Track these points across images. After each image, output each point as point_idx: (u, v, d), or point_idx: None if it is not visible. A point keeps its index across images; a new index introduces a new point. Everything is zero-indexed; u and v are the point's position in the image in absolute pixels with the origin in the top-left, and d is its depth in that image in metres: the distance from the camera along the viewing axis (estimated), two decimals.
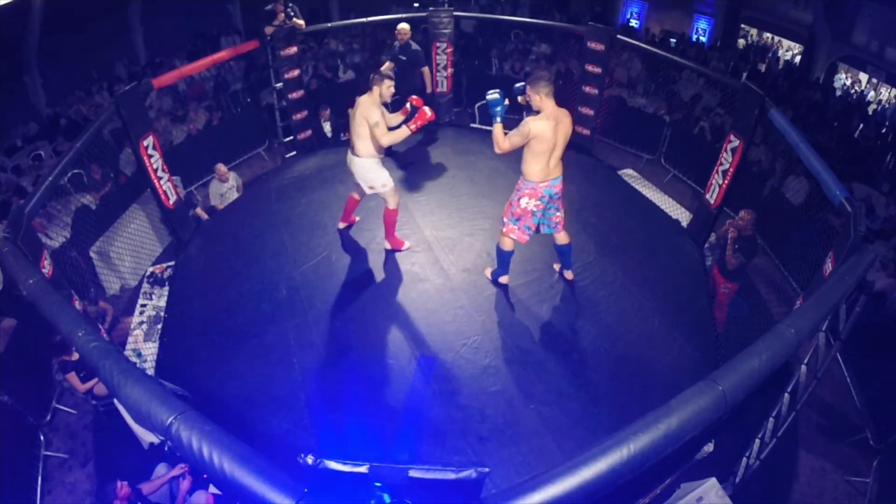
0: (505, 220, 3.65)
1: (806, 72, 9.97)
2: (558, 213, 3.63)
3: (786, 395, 2.78)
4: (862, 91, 9.67)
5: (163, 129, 6.86)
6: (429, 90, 5.73)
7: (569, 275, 4.03)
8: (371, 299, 3.91)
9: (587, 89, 6.03)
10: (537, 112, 3.37)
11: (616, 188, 5.62)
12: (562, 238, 3.76)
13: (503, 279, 3.96)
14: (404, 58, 5.55)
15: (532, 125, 3.31)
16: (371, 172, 3.87)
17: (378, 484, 1.29)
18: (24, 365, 3.90)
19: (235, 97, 8.49)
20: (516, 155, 5.87)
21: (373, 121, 3.62)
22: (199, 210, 5.65)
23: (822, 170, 3.21)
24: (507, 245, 3.72)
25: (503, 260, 3.85)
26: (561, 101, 7.26)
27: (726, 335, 4.00)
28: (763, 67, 10.66)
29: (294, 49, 5.83)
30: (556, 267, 4.12)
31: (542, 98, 3.34)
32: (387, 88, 3.74)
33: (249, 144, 7.13)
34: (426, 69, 5.69)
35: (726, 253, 4.05)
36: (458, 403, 3.19)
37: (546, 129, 3.31)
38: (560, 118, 3.36)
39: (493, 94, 3.44)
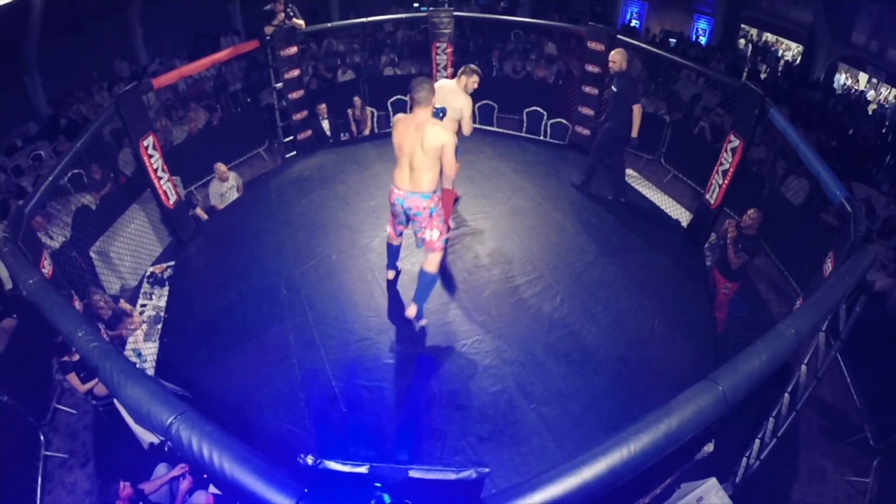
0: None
1: (806, 72, 9.97)
2: (426, 231, 3.28)
3: (786, 395, 2.78)
4: (861, 91, 9.68)
5: (163, 129, 6.86)
6: (634, 134, 4.76)
7: (411, 310, 3.47)
8: (371, 299, 3.91)
9: (587, 89, 6.03)
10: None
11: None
12: (425, 263, 3.38)
13: (388, 274, 3.94)
14: (615, 89, 4.80)
15: (394, 122, 3.27)
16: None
17: (378, 484, 1.29)
18: (24, 365, 3.89)
19: (235, 97, 8.49)
20: (516, 155, 5.86)
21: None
22: (198, 210, 5.65)
23: (822, 170, 3.21)
24: (391, 240, 3.73)
25: (389, 254, 3.87)
26: (561, 101, 7.27)
27: (726, 335, 4.00)
28: (763, 67, 10.66)
29: (294, 49, 5.83)
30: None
31: (413, 102, 3.10)
32: (473, 82, 4.08)
33: (249, 144, 7.13)
34: (637, 108, 4.67)
35: (727, 252, 4.04)
36: (458, 403, 3.19)
37: (398, 130, 3.16)
38: (422, 127, 3.06)
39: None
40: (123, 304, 4.33)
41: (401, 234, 3.65)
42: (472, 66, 4.16)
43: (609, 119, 4.98)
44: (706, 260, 4.80)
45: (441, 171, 3.22)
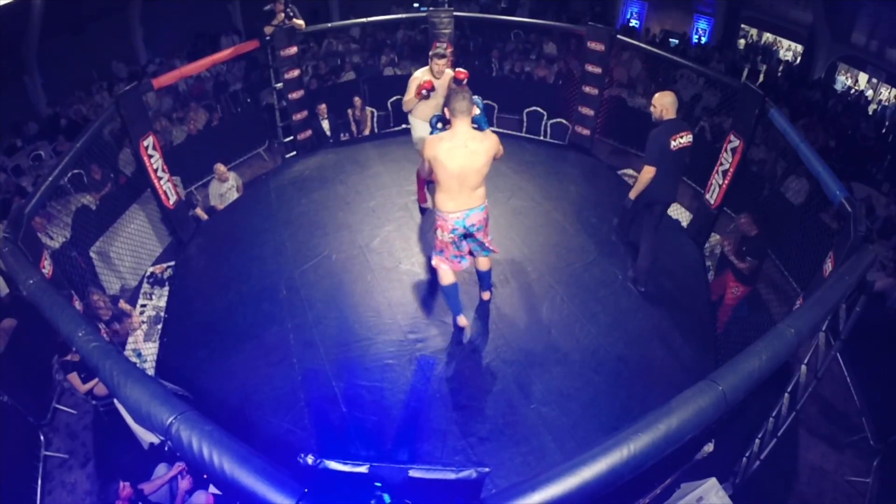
0: (433, 253, 3.35)
1: (806, 72, 9.97)
2: (486, 238, 3.27)
3: (786, 395, 2.78)
4: (861, 91, 9.67)
5: (162, 129, 6.86)
6: (631, 196, 3.99)
7: (486, 295, 3.76)
8: (371, 299, 3.91)
9: (587, 89, 6.03)
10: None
11: (616, 188, 5.61)
12: (482, 264, 3.48)
13: (461, 321, 3.54)
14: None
15: (429, 147, 2.96)
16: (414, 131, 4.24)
17: (378, 484, 1.29)
18: (24, 365, 3.89)
19: (235, 97, 8.49)
20: (516, 155, 5.88)
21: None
22: (198, 210, 5.65)
23: (822, 170, 3.21)
24: (444, 279, 3.35)
25: (447, 296, 3.49)
26: (561, 101, 7.26)
27: (726, 335, 4.00)
28: (762, 67, 10.66)
29: (294, 49, 5.83)
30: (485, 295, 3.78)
31: (453, 117, 2.92)
32: (439, 65, 4.06)
33: (249, 144, 7.13)
34: (646, 170, 3.85)
35: (735, 264, 4.03)
36: (458, 403, 3.19)
37: (443, 153, 2.90)
38: (470, 144, 2.90)
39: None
40: (123, 305, 4.33)
41: (463, 262, 3.33)
42: (435, 50, 4.18)
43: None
44: (706, 260, 4.80)
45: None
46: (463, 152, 2.89)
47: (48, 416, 3.93)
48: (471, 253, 3.36)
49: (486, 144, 2.94)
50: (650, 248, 4.01)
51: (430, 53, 4.17)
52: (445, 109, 3.02)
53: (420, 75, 4.14)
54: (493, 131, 6.66)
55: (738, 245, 4.04)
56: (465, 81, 4.06)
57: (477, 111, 3.08)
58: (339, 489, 1.32)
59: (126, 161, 6.07)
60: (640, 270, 4.05)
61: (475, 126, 3.04)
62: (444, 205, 3.06)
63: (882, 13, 8.78)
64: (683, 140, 3.72)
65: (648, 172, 3.71)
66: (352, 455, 1.33)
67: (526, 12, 12.73)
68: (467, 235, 3.21)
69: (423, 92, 3.98)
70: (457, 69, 4.21)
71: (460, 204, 3.04)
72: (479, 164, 2.93)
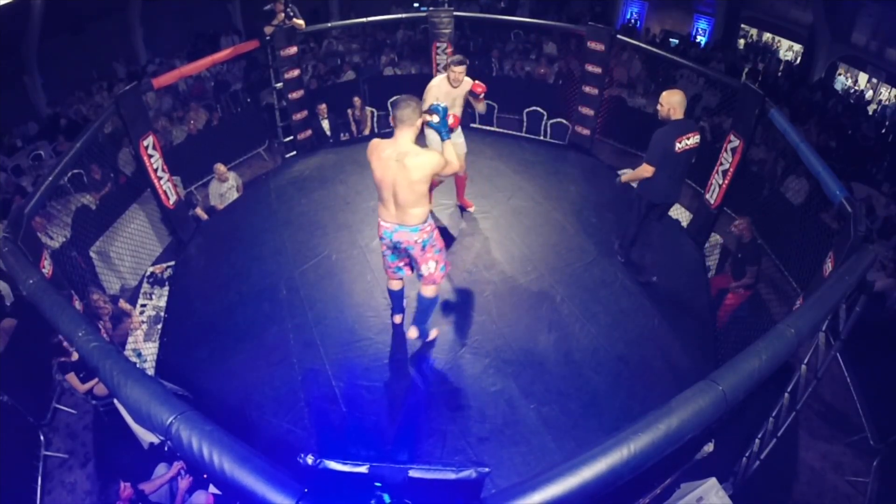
0: None
1: (806, 72, 9.97)
2: (422, 266, 3.03)
3: (786, 395, 2.77)
4: (861, 91, 9.68)
5: (162, 129, 6.86)
6: (622, 179, 4.02)
7: (411, 333, 3.37)
8: (371, 299, 3.91)
9: (587, 89, 6.03)
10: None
11: (616, 188, 5.61)
12: (423, 289, 3.17)
13: (395, 318, 3.57)
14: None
15: (369, 149, 2.80)
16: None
17: (378, 484, 1.29)
18: (24, 365, 3.89)
19: (235, 97, 8.49)
20: (516, 155, 5.87)
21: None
22: (198, 210, 5.65)
23: (822, 170, 3.21)
24: (388, 283, 3.33)
25: (389, 297, 3.49)
26: (561, 101, 7.26)
27: (726, 335, 4.00)
28: (761, 67, 10.66)
29: (294, 49, 5.83)
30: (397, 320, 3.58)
31: (394, 124, 2.71)
32: (456, 73, 3.94)
33: (249, 144, 7.13)
34: (644, 168, 3.79)
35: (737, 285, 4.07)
36: (458, 403, 3.19)
37: (375, 160, 2.75)
38: (405, 157, 2.66)
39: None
40: (123, 304, 4.33)
41: (399, 273, 3.23)
42: (452, 57, 4.08)
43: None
44: (706, 260, 4.79)
45: (430, 198, 2.97)
46: (394, 165, 2.68)
47: (48, 416, 3.93)
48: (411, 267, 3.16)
49: (421, 160, 2.66)
50: (653, 248, 4.05)
51: (448, 61, 3.99)
52: (424, 115, 2.82)
53: (437, 83, 4.01)
54: (494, 131, 6.77)
55: (734, 253, 4.06)
56: (482, 96, 3.94)
57: (435, 119, 2.85)
58: (339, 489, 1.32)
59: (125, 161, 6.07)
60: (643, 267, 4.11)
61: (444, 133, 2.88)
62: (379, 210, 2.93)
63: (882, 13, 8.78)
64: (690, 141, 3.61)
65: (646, 171, 3.65)
66: (352, 455, 1.32)
67: (526, 12, 12.74)
68: (398, 250, 3.04)
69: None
70: (475, 82, 3.97)
71: (390, 216, 2.88)
72: (409, 179, 2.68)
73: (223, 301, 4.14)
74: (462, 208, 4.84)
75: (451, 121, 3.72)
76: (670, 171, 3.66)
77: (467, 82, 3.99)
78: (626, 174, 3.89)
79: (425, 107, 3.80)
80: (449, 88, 3.99)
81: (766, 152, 6.45)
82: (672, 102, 3.59)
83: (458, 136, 4.33)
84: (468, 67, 4.12)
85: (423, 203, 2.83)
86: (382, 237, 2.99)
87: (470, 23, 9.76)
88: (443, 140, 2.87)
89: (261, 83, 8.20)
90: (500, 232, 4.61)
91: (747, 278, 4.06)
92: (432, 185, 4.64)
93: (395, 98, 2.73)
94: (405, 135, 2.70)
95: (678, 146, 3.57)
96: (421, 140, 2.89)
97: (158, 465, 3.11)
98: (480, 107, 4.11)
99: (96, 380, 3.57)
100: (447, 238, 4.46)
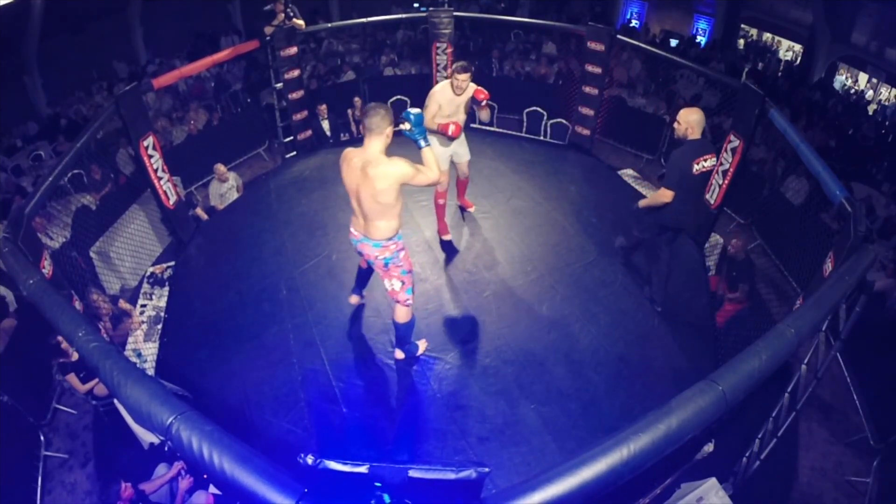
0: None
1: (806, 72, 9.97)
2: (385, 282, 3.03)
3: (786, 395, 2.77)
4: (861, 91, 9.68)
5: (162, 129, 6.86)
6: (640, 204, 3.88)
7: (398, 354, 3.42)
8: (371, 299, 3.91)
9: (587, 89, 6.03)
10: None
11: (616, 188, 5.62)
12: (395, 313, 3.16)
13: (351, 298, 3.64)
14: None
15: (342, 156, 2.81)
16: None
17: (378, 484, 1.29)
18: (24, 365, 3.89)
19: (235, 97, 8.49)
20: (516, 155, 5.86)
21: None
22: (198, 210, 5.65)
23: (822, 170, 3.20)
24: (360, 262, 3.41)
25: (357, 277, 3.58)
26: (561, 101, 7.27)
27: (726, 335, 4.00)
28: (760, 67, 10.66)
29: (294, 49, 5.83)
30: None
31: (364, 133, 2.69)
32: (460, 80, 3.83)
33: (249, 144, 7.12)
34: (662, 192, 3.58)
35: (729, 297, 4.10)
36: (458, 403, 3.19)
37: (344, 168, 2.76)
38: (370, 167, 2.62)
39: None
40: (123, 304, 4.33)
41: (367, 261, 3.21)
42: (457, 63, 3.96)
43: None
44: (706, 260, 4.79)
45: (400, 212, 2.82)
46: (359, 174, 2.66)
47: (48, 416, 3.93)
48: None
49: (385, 170, 2.60)
50: (661, 274, 3.87)
51: (454, 66, 3.90)
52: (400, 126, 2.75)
53: (440, 89, 3.93)
54: (494, 131, 6.77)
55: (728, 272, 4.07)
56: (484, 102, 3.82)
57: (406, 126, 2.72)
58: (339, 489, 1.32)
59: (123, 161, 6.07)
60: (655, 293, 3.95)
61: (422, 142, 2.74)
62: (352, 219, 2.95)
63: (882, 13, 8.78)
64: (707, 164, 3.40)
65: (664, 196, 3.44)
66: (352, 455, 1.32)
67: (526, 12, 12.74)
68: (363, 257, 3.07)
69: (448, 132, 3.74)
70: (477, 88, 3.84)
71: (358, 226, 2.89)
72: (372, 189, 2.63)
73: (223, 301, 4.14)
74: (462, 209, 4.84)
75: (452, 130, 3.71)
76: (685, 194, 3.46)
77: (471, 88, 3.90)
78: (644, 200, 3.70)
79: (428, 113, 3.80)
80: (452, 95, 3.90)
81: (766, 152, 6.45)
82: (690, 121, 3.37)
83: (462, 146, 4.29)
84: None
85: (388, 216, 2.77)
86: (351, 242, 3.02)
87: (470, 23, 9.76)
88: (419, 148, 2.74)
89: (261, 83, 8.20)
90: (500, 232, 4.61)
91: (739, 294, 4.08)
92: (461, 186, 4.62)
93: (367, 106, 2.69)
94: (373, 143, 2.64)
95: (696, 168, 3.37)
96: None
97: (158, 465, 3.11)
98: (484, 114, 4.03)
99: (96, 380, 3.57)
100: (445, 244, 4.45)
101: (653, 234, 3.79)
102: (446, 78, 6.53)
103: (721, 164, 4.64)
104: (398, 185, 2.67)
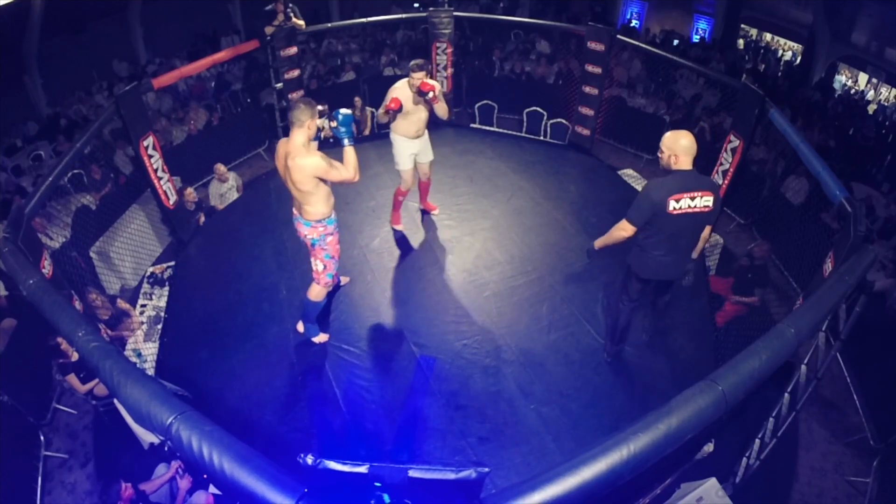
0: None
1: (806, 72, 9.97)
2: (311, 260, 3.24)
3: (786, 395, 2.78)
4: (861, 91, 9.67)
5: (162, 129, 6.85)
6: (596, 245, 3.29)
7: (299, 326, 3.63)
8: (371, 299, 3.91)
9: (587, 89, 6.03)
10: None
11: (616, 188, 5.62)
12: (309, 290, 3.33)
13: (317, 338, 3.59)
14: None
15: (279, 142, 3.09)
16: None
17: (378, 484, 1.29)
18: (24, 365, 3.89)
19: (235, 97, 8.49)
20: (516, 155, 5.87)
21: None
22: (201, 217, 5.63)
23: (822, 170, 3.21)
24: None
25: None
26: (561, 101, 7.27)
27: (726, 335, 4.00)
28: (761, 67, 10.66)
29: (294, 49, 5.83)
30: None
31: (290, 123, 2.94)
32: (415, 79, 3.82)
33: (249, 144, 7.13)
34: (622, 226, 2.90)
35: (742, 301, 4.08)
36: (458, 403, 3.19)
37: (277, 156, 3.05)
38: (289, 157, 2.88)
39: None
40: (122, 304, 4.32)
41: None
42: (412, 62, 3.93)
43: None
44: (706, 260, 4.79)
45: (325, 198, 3.08)
46: (283, 163, 2.93)
47: (48, 416, 3.93)
48: None
49: (300, 162, 2.84)
50: (622, 324, 3.19)
51: (410, 64, 3.89)
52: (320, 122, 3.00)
53: (400, 86, 3.91)
54: (494, 131, 6.77)
55: (745, 270, 4.05)
56: (429, 95, 3.72)
57: (333, 124, 2.97)
58: (339, 489, 1.32)
59: (123, 161, 6.07)
60: (610, 343, 3.39)
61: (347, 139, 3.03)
62: None
63: (882, 13, 8.78)
64: (696, 203, 2.61)
65: (622, 231, 2.81)
66: (352, 455, 1.32)
67: (526, 12, 12.73)
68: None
69: (391, 111, 3.82)
70: (423, 81, 3.79)
71: (295, 206, 3.14)
72: (292, 178, 2.90)
73: (223, 301, 4.14)
74: (424, 212, 4.79)
75: (393, 104, 3.75)
76: (663, 237, 2.75)
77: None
78: (601, 239, 3.05)
79: (381, 107, 3.93)
80: (411, 93, 3.88)
81: (767, 152, 6.45)
82: (674, 148, 2.66)
83: (425, 146, 4.20)
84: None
85: (313, 203, 3.04)
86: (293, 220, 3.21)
87: (470, 23, 9.74)
88: (344, 146, 2.99)
89: (261, 83, 8.20)
90: (500, 232, 4.61)
91: (754, 298, 4.05)
92: (424, 189, 4.57)
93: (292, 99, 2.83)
94: (296, 135, 2.87)
95: (672, 206, 2.60)
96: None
97: (158, 465, 3.11)
98: (439, 109, 3.89)
99: (96, 380, 3.57)
100: (404, 245, 4.44)
101: (636, 295, 3.09)
102: (446, 78, 6.58)
103: (721, 164, 4.64)
104: (313, 176, 2.90)
